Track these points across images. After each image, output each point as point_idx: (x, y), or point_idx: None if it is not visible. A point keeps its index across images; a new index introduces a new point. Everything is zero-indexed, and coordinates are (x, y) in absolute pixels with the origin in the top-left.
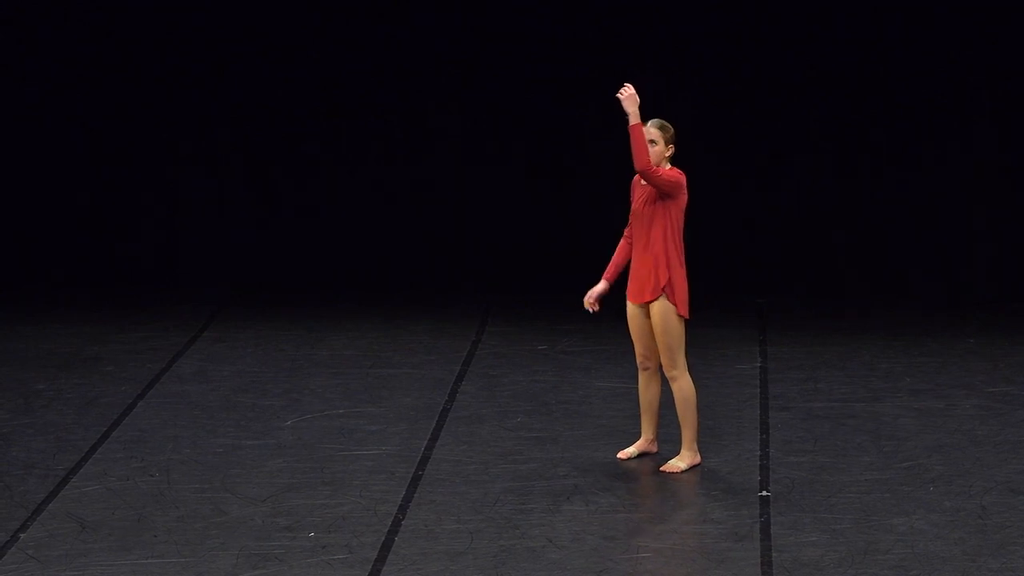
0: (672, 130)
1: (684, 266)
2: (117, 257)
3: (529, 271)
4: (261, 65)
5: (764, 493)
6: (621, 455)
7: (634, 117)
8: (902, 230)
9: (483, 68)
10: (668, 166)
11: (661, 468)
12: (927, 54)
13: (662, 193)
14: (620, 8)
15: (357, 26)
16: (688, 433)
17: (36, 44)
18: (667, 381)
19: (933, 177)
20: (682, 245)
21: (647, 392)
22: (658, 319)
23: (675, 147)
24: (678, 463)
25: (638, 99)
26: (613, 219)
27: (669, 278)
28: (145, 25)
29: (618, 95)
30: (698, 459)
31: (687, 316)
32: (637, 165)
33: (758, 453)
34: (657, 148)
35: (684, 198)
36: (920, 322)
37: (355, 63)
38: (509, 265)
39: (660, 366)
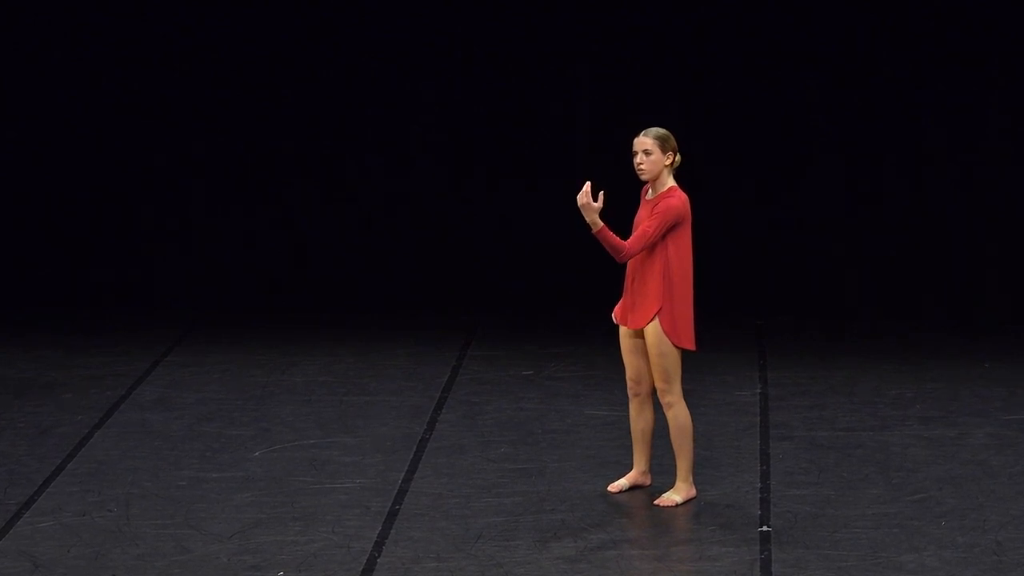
0: (672, 139)
1: (689, 295)
2: (85, 273)
3: (520, 286)
4: (261, 65)
5: (765, 528)
6: (612, 488)
7: (594, 225)
8: (909, 241)
9: (483, 68)
10: (671, 181)
11: (655, 502)
12: (927, 54)
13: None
14: (620, 8)
15: (357, 26)
16: (683, 464)
17: (36, 44)
18: (660, 407)
19: (936, 181)
20: (688, 273)
21: (639, 420)
22: (653, 339)
23: (677, 154)
24: (673, 496)
25: (597, 205)
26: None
27: (661, 308)
28: (145, 25)
29: (578, 199)
30: (694, 492)
31: (694, 348)
32: (619, 260)
33: (758, 486)
34: (653, 158)
35: (686, 219)
36: (931, 344)
37: (355, 63)
38: (500, 279)
39: (652, 392)
